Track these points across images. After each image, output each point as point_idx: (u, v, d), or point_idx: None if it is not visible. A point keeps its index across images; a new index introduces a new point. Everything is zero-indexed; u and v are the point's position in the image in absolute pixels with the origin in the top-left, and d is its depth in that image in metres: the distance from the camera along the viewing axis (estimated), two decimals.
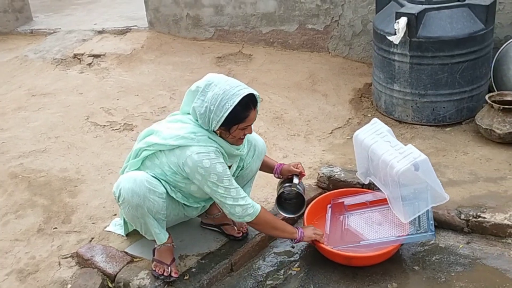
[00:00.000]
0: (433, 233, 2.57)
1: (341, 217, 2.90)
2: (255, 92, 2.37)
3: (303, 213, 2.79)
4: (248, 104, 2.33)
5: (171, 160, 2.40)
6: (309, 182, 3.23)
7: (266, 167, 2.82)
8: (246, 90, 2.33)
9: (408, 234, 2.64)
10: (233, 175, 2.62)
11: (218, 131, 2.38)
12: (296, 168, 2.78)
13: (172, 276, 2.45)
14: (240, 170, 2.67)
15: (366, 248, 2.65)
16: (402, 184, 2.65)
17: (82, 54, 5.26)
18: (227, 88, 2.31)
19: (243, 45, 5.29)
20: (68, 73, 4.97)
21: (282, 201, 2.76)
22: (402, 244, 2.71)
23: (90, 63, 5.12)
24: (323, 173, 3.21)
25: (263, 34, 5.20)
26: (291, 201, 2.77)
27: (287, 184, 2.73)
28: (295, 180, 2.73)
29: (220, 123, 2.32)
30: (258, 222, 2.46)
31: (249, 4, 5.15)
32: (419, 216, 2.69)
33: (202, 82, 2.38)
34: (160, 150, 2.42)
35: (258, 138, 2.72)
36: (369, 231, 2.79)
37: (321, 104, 4.27)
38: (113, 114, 4.17)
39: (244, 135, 2.44)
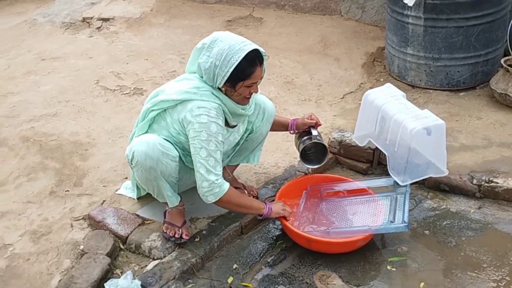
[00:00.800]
0: (407, 224, 2.42)
1: (316, 202, 2.79)
2: (261, 49, 2.32)
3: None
4: (254, 60, 2.29)
5: (174, 118, 2.38)
6: None
7: (280, 126, 2.78)
8: (252, 46, 2.29)
9: (380, 225, 2.52)
10: (241, 138, 2.61)
11: (223, 88, 2.34)
12: (311, 120, 2.74)
13: (183, 238, 2.47)
14: (249, 133, 2.65)
15: (336, 235, 2.51)
16: (413, 145, 2.61)
17: (91, 18, 5.20)
18: (233, 43, 2.27)
19: (254, 8, 5.20)
20: (77, 37, 4.93)
21: (303, 153, 2.73)
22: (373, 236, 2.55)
23: (99, 27, 5.07)
24: (334, 138, 3.19)
25: None
26: (312, 151, 2.76)
27: (305, 138, 2.70)
28: (314, 132, 2.71)
29: (225, 78, 2.28)
30: (221, 202, 2.40)
31: None
32: (394, 209, 2.56)
33: (208, 39, 2.34)
34: (165, 110, 2.40)
35: (267, 101, 2.69)
36: (341, 219, 2.67)
37: (333, 69, 4.22)
38: (123, 78, 4.14)
39: (250, 94, 2.39)
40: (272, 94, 3.88)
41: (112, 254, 2.47)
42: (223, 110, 2.37)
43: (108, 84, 4.06)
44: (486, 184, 2.79)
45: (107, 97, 3.89)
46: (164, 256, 2.43)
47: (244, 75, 2.29)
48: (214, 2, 5.37)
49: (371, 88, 3.89)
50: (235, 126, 2.51)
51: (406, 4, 3.59)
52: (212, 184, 2.32)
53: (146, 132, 2.47)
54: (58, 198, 2.87)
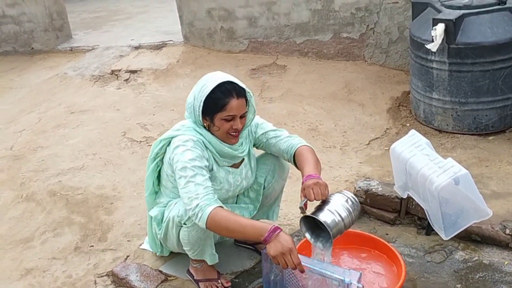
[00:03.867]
0: None
1: None
2: (243, 85, 2.28)
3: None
4: (229, 91, 2.23)
5: (166, 162, 2.36)
6: None
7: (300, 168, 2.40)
8: (229, 79, 2.25)
9: None
10: (253, 189, 2.56)
11: (206, 124, 2.32)
12: (304, 192, 2.21)
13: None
14: (263, 189, 2.61)
15: None
16: (442, 199, 2.55)
17: (119, 70, 5.34)
18: (212, 77, 2.27)
19: (277, 56, 5.26)
20: (105, 90, 5.06)
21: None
22: None
23: (127, 79, 5.20)
24: (359, 187, 3.12)
25: (297, 45, 5.16)
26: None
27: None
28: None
29: (200, 109, 2.24)
30: (210, 228, 2.12)
31: (282, 15, 5.12)
32: None
33: None
34: (161, 159, 2.42)
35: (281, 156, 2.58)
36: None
37: (358, 114, 4.19)
38: (149, 130, 4.20)
39: (234, 130, 2.30)
40: None
41: None
42: (207, 146, 2.32)
43: (135, 136, 4.12)
44: None
45: (134, 149, 3.94)
46: None
47: (217, 106, 2.23)
48: (239, 52, 5.45)
49: (397, 133, 3.87)
50: (235, 165, 2.44)
51: (430, 49, 3.56)
52: (195, 209, 2.12)
53: (153, 186, 2.48)
54: (82, 253, 2.88)
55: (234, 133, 2.32)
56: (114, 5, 8.47)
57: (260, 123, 2.52)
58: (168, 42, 5.84)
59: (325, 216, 2.13)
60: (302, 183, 2.25)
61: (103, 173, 3.65)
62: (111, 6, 8.48)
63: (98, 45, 6.08)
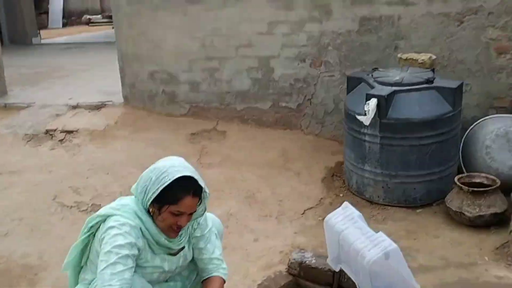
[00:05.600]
0: None
1: None
2: (202, 184, 2.23)
3: None
4: (187, 188, 2.17)
5: (97, 238, 2.22)
6: (279, 268, 3.15)
7: None
8: (191, 174, 2.19)
9: None
10: (188, 279, 2.50)
11: (151, 210, 2.22)
12: None
13: None
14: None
15: None
16: (373, 274, 2.58)
17: (54, 130, 5.21)
18: (174, 164, 2.19)
19: (218, 121, 5.31)
20: (38, 150, 4.91)
21: None
22: None
23: (62, 139, 5.08)
24: (294, 259, 3.13)
25: (238, 111, 5.24)
26: None
27: None
28: None
29: (154, 196, 2.16)
30: None
31: (224, 81, 5.21)
32: None
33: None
34: (94, 234, 2.28)
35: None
36: None
37: (294, 183, 4.25)
38: (81, 194, 4.08)
39: (177, 226, 2.22)
40: (234, 209, 3.85)
41: None
42: (144, 234, 2.23)
43: (66, 200, 3.98)
44: None
45: (63, 214, 3.80)
46: None
47: (171, 199, 2.15)
48: (179, 115, 5.47)
49: (331, 203, 3.94)
50: (175, 253, 2.36)
51: (363, 122, 3.71)
52: None
53: (75, 257, 2.36)
54: None
55: (176, 228, 2.25)
56: (56, 61, 8.38)
57: (201, 223, 2.43)
58: (107, 103, 5.79)
59: None
60: None
61: (30, 239, 3.48)
62: (52, 62, 8.39)
63: (34, 103, 5.95)
